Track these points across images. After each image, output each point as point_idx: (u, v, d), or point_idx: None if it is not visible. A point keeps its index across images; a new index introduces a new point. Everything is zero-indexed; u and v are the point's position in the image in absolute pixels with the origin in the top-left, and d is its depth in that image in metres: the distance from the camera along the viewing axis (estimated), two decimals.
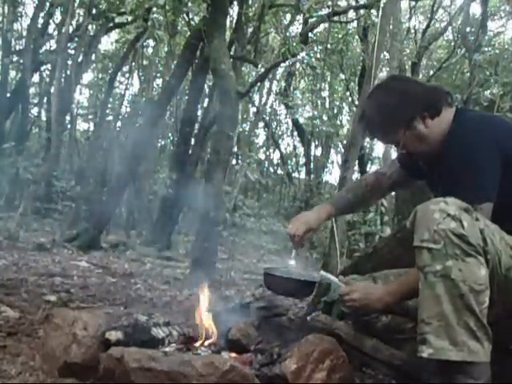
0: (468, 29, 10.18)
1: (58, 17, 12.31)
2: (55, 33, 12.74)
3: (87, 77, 16.78)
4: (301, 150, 16.28)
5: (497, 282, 1.33)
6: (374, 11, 8.42)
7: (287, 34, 10.08)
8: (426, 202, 1.38)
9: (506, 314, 1.37)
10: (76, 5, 9.74)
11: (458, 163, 1.49)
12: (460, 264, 1.28)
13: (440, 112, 1.59)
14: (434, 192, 1.71)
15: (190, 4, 6.77)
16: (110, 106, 13.72)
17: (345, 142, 13.41)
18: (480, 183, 1.46)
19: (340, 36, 11.67)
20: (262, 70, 7.90)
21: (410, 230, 1.39)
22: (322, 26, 10.98)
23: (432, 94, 1.63)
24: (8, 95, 11.24)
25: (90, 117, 16.09)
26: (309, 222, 1.96)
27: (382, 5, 4.11)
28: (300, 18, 10.05)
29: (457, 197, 1.40)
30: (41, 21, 11.47)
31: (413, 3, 10.99)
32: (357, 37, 11.42)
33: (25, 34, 11.90)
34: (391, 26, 4.66)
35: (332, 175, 26.10)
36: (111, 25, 11.13)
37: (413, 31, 11.94)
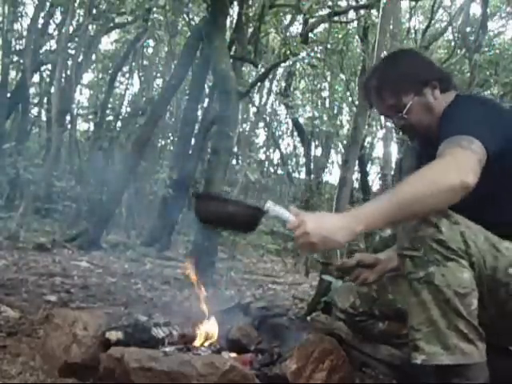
0: (468, 29, 10.17)
1: (58, 17, 12.31)
2: (55, 33, 12.73)
3: (87, 77, 16.79)
4: (301, 150, 16.26)
5: (486, 284, 1.32)
6: (374, 11, 8.42)
7: (287, 34, 10.08)
8: None
9: (499, 315, 1.36)
10: (76, 5, 9.73)
11: (451, 122, 1.40)
12: (442, 269, 1.27)
13: (449, 87, 1.57)
14: None
15: (190, 4, 6.77)
16: (110, 106, 13.71)
17: (345, 142, 13.41)
18: (473, 127, 1.32)
19: (340, 36, 11.66)
20: (262, 70, 7.90)
21: (394, 238, 1.38)
22: (322, 26, 10.98)
23: (444, 70, 1.67)
24: (8, 95, 11.23)
25: (90, 117, 16.07)
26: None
27: (382, 5, 4.09)
28: (300, 18, 10.04)
29: (446, 135, 1.33)
30: (41, 21, 11.47)
31: (413, 3, 10.97)
32: (357, 37, 11.41)
33: (25, 34, 11.90)
34: (391, 26, 4.65)
35: (332, 175, 26.08)
36: (111, 25, 11.13)
37: (413, 31, 11.92)
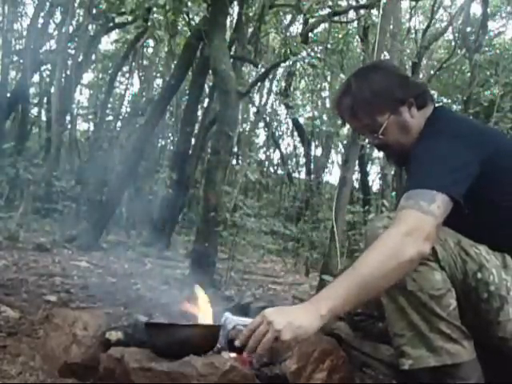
0: (468, 29, 10.19)
1: (58, 17, 12.33)
2: (55, 33, 12.74)
3: (87, 77, 16.78)
4: (301, 150, 16.27)
5: (461, 288, 1.32)
6: (374, 11, 8.42)
7: (287, 34, 10.09)
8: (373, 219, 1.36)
9: (474, 318, 1.34)
10: (76, 5, 9.75)
11: (420, 152, 1.34)
12: (413, 274, 1.26)
13: (426, 104, 1.49)
14: None
15: (189, 4, 6.76)
16: (109, 106, 13.72)
17: (345, 142, 13.40)
18: (439, 175, 1.26)
19: (340, 36, 11.67)
20: (262, 70, 7.90)
21: (364, 249, 1.36)
22: (322, 26, 10.99)
23: (420, 84, 1.59)
24: (8, 95, 11.23)
25: (90, 117, 16.09)
26: None
27: (382, 5, 4.10)
28: (300, 18, 10.05)
29: (409, 185, 1.28)
30: (41, 21, 11.48)
31: (413, 3, 10.98)
32: (357, 37, 11.42)
33: (25, 34, 11.91)
34: (391, 26, 4.66)
35: (332, 175, 26.13)
36: (111, 25, 11.13)
37: (413, 31, 11.93)
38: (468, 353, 1.28)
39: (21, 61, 11.71)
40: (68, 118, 12.16)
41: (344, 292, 1.15)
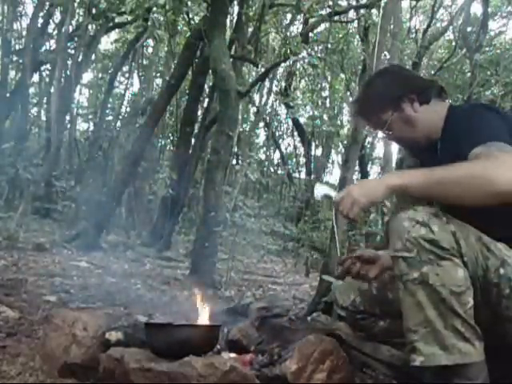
0: (469, 29, 10.16)
1: (57, 17, 12.29)
2: (55, 33, 12.71)
3: (87, 77, 16.76)
4: (301, 149, 16.24)
5: (479, 284, 1.32)
6: (374, 11, 8.42)
7: (287, 33, 10.08)
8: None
9: (491, 317, 1.34)
10: (76, 5, 9.74)
11: (461, 134, 1.45)
12: (436, 268, 1.27)
13: (429, 100, 1.59)
14: None
15: (189, 4, 6.76)
16: (109, 105, 13.71)
17: (345, 141, 13.40)
18: (489, 133, 1.38)
19: (340, 36, 11.66)
20: (262, 69, 7.89)
21: (386, 240, 1.38)
22: (322, 26, 10.98)
23: (423, 81, 1.68)
24: (8, 95, 11.21)
25: (90, 117, 16.08)
26: None
27: (382, 4, 4.09)
28: (300, 17, 10.05)
29: (472, 142, 1.35)
30: (41, 20, 11.44)
31: (414, 3, 10.97)
32: (357, 37, 11.40)
33: (25, 33, 11.89)
34: (392, 26, 4.65)
35: (332, 175, 26.07)
36: (111, 25, 11.11)
37: (413, 31, 11.91)
38: (478, 353, 1.28)
39: (20, 60, 11.68)
40: (68, 117, 12.15)
41: (421, 177, 1.31)
